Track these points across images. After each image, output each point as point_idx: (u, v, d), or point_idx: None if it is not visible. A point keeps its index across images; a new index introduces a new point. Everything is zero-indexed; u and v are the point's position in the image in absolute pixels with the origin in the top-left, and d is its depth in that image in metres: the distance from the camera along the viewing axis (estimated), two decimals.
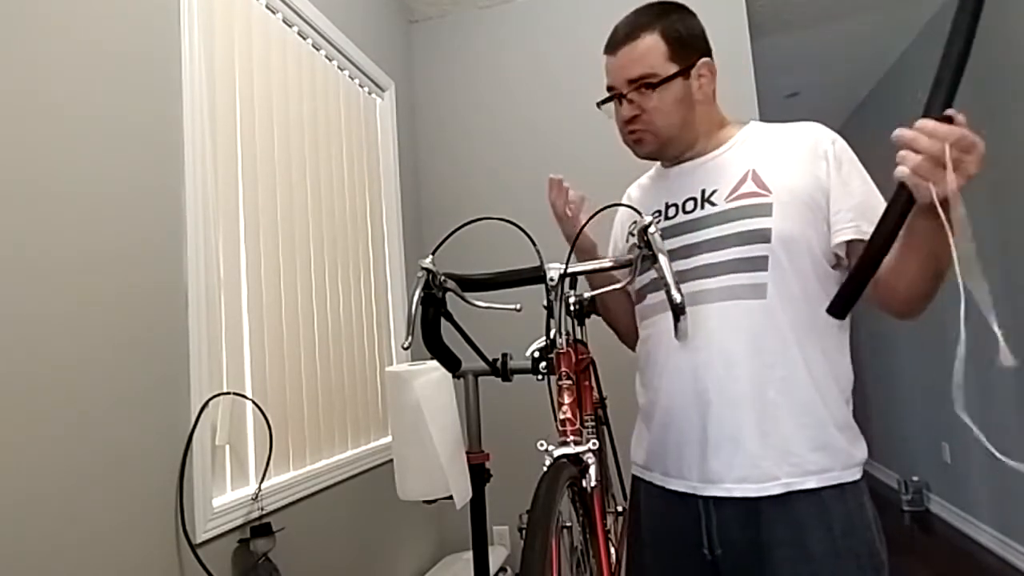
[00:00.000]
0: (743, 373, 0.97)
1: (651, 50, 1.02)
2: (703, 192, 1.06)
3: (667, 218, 1.09)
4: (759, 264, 0.98)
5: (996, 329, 0.70)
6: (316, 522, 1.64)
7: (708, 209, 1.04)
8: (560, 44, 2.49)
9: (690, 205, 1.07)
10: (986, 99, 2.72)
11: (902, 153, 0.76)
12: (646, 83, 1.02)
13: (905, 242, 0.86)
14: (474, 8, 2.60)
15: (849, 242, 0.98)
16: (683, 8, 1.07)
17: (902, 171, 0.76)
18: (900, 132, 0.75)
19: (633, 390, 1.17)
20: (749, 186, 1.01)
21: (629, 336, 1.26)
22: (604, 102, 1.10)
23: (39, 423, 0.97)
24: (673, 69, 1.02)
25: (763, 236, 0.98)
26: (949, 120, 0.74)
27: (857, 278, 0.84)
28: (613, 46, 1.06)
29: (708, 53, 1.06)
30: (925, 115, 0.75)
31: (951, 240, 0.72)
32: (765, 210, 0.99)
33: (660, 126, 1.05)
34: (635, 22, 1.04)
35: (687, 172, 1.10)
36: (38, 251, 0.99)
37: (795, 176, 1.00)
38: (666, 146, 1.08)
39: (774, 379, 0.96)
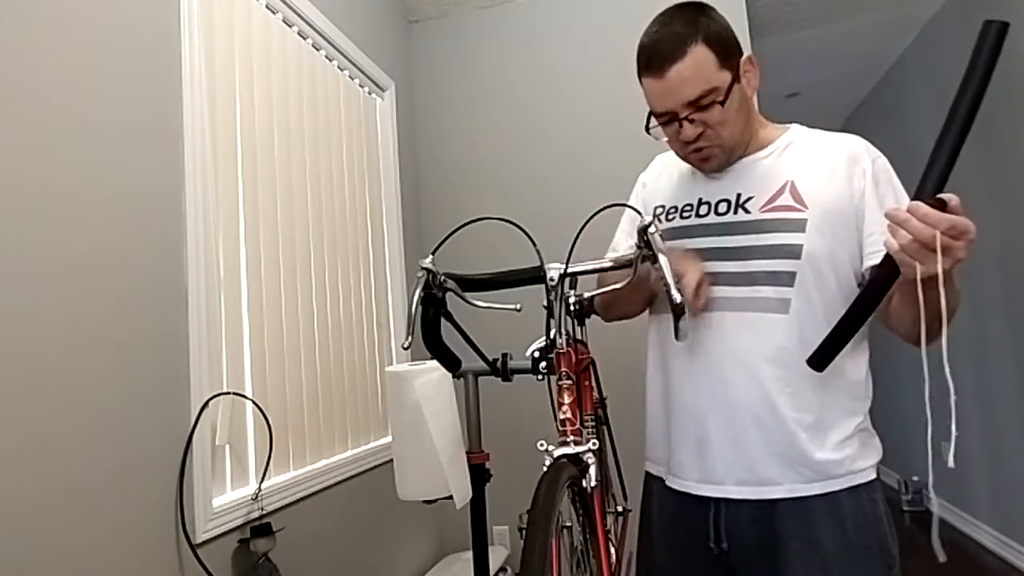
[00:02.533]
0: (754, 382, 0.97)
1: (703, 64, 0.93)
2: (738, 196, 1.03)
3: (697, 215, 1.06)
4: (785, 279, 0.97)
5: (954, 428, 0.76)
6: (316, 522, 1.64)
7: (741, 215, 1.01)
8: (560, 44, 2.49)
9: (723, 207, 1.04)
10: (986, 100, 2.72)
11: (892, 228, 0.77)
12: (709, 101, 0.94)
13: (900, 296, 0.89)
14: (474, 8, 2.60)
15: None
16: (706, 6, 0.99)
17: (891, 244, 0.77)
18: (893, 212, 0.76)
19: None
20: (786, 199, 0.99)
21: (617, 318, 1.28)
22: (660, 123, 1.01)
23: (39, 423, 0.97)
24: (728, 77, 0.95)
25: (793, 252, 0.97)
26: (943, 204, 0.74)
27: (838, 336, 0.88)
28: (658, 67, 0.95)
29: (740, 46, 0.99)
30: (918, 196, 0.76)
31: (922, 314, 0.76)
32: (799, 226, 0.97)
33: (727, 137, 0.99)
34: (674, 35, 0.94)
35: (726, 171, 1.06)
36: (38, 251, 0.99)
37: (832, 193, 0.98)
38: (733, 154, 1.03)
39: (784, 392, 0.96)
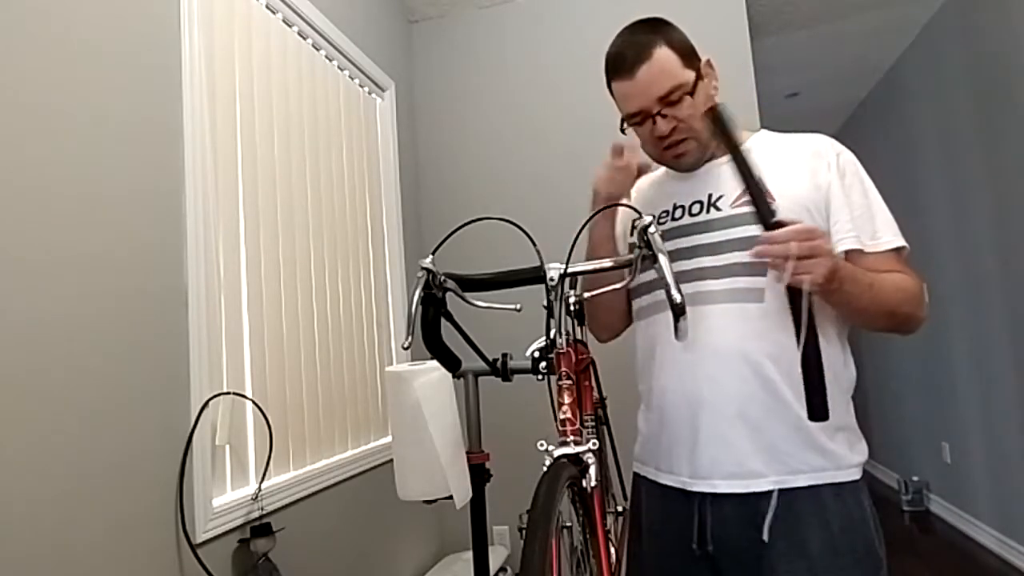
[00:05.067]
0: (735, 374, 0.99)
1: (669, 63, 1.02)
2: (710, 196, 1.07)
3: (673, 219, 1.10)
4: (758, 268, 0.99)
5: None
6: (316, 522, 1.64)
7: (713, 213, 1.06)
8: (560, 44, 2.49)
9: (696, 208, 1.08)
10: (986, 100, 2.72)
11: (768, 261, 0.89)
12: (678, 96, 1.02)
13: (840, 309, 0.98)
14: (474, 8, 2.60)
15: (848, 252, 1.00)
16: (664, 20, 1.08)
17: (778, 277, 0.89)
18: (760, 250, 0.89)
19: (633, 390, 1.18)
20: None
21: (606, 329, 1.29)
22: (632, 125, 1.08)
23: (39, 424, 0.97)
24: (692, 75, 1.03)
25: None
26: (783, 224, 0.88)
27: (812, 378, 0.91)
28: (628, 69, 1.03)
29: (698, 54, 1.08)
30: (764, 228, 0.90)
31: (803, 319, 0.88)
32: None
33: (699, 129, 1.05)
34: (638, 41, 1.03)
35: (696, 175, 1.11)
36: (38, 251, 0.99)
37: (798, 184, 1.02)
38: (706, 150, 1.08)
39: (766, 381, 0.97)
